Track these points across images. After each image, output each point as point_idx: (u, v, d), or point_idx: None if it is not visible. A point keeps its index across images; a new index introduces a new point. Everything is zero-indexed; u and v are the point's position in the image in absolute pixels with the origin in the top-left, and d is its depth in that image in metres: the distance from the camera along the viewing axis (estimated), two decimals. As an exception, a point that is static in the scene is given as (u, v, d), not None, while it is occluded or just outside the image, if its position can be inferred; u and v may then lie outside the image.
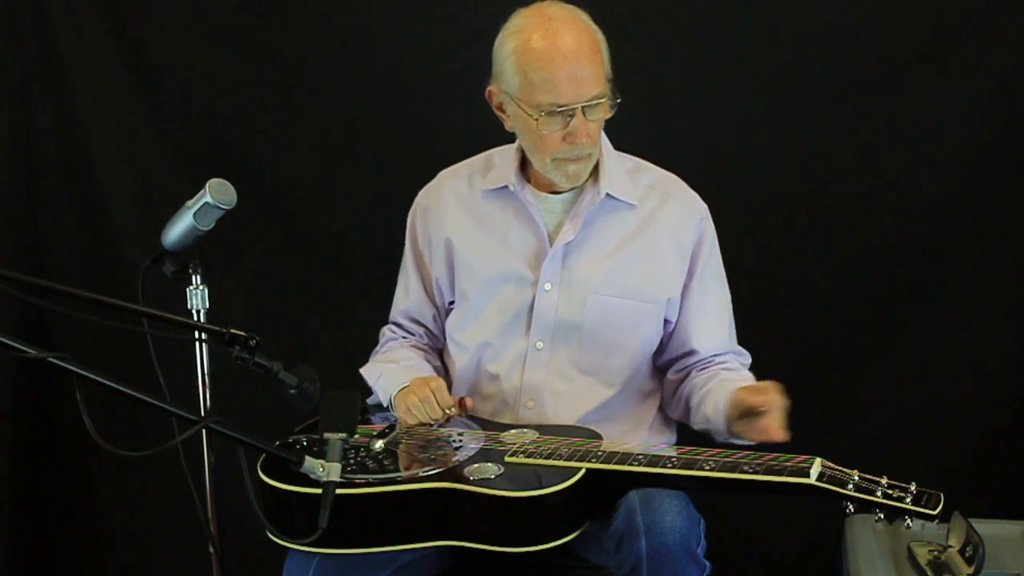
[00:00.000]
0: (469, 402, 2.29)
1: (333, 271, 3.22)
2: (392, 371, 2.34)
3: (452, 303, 2.39)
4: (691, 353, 2.31)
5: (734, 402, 2.10)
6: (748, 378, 2.24)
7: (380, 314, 2.52)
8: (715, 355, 2.31)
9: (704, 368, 2.30)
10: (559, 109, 2.11)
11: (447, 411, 2.22)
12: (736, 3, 2.97)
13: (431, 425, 2.23)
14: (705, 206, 2.32)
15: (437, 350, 2.48)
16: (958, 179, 2.93)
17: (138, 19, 3.15)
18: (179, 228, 2.15)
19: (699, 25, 2.98)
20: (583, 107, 2.11)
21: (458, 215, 2.35)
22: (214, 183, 2.13)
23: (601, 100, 2.13)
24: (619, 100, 2.16)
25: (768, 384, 2.05)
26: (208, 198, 2.12)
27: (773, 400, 2.01)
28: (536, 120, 2.13)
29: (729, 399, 2.11)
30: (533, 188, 2.29)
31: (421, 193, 2.43)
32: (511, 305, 2.29)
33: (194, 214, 2.13)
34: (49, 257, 3.24)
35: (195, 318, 2.20)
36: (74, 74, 3.14)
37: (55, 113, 3.17)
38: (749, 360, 2.36)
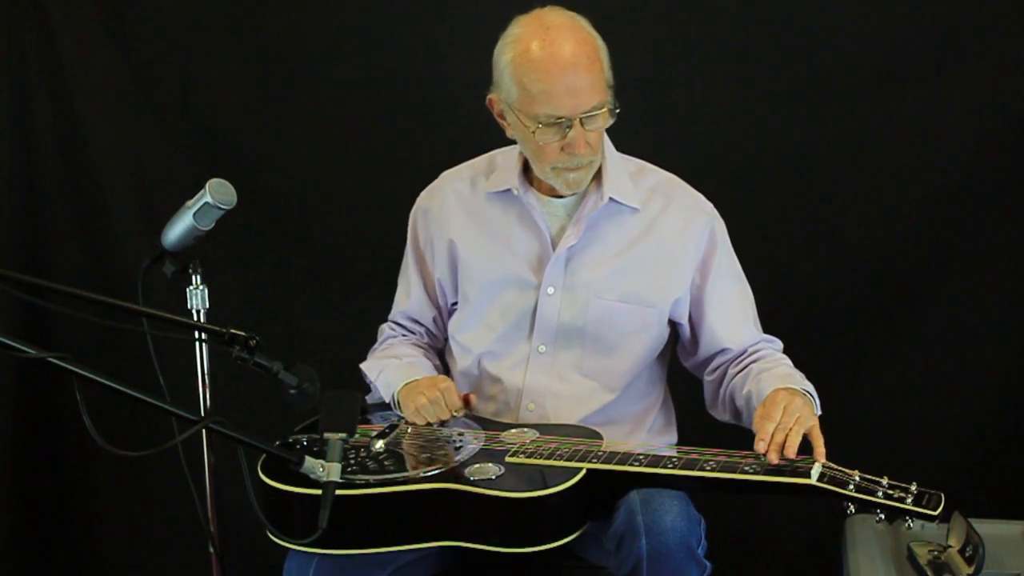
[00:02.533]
0: (473, 398, 2.29)
1: (333, 271, 3.22)
2: (394, 367, 2.34)
3: (455, 304, 2.39)
4: (724, 351, 2.30)
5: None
6: (779, 373, 2.17)
7: (380, 314, 2.52)
8: (747, 347, 2.29)
9: (739, 364, 2.28)
10: (556, 120, 2.10)
11: (455, 413, 2.22)
12: (737, 4, 2.97)
13: (437, 425, 2.23)
14: (711, 205, 2.32)
15: (436, 349, 2.48)
16: (959, 179, 2.93)
17: (138, 19, 3.15)
18: (179, 228, 2.15)
19: (700, 27, 2.98)
20: (581, 118, 2.10)
21: (461, 217, 2.34)
22: (214, 183, 2.13)
23: (600, 110, 2.11)
24: (618, 110, 2.14)
25: (767, 422, 1.98)
26: (208, 198, 2.11)
27: (767, 434, 1.96)
28: (534, 131, 2.12)
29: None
30: (536, 192, 2.28)
31: (423, 194, 2.42)
32: (514, 309, 2.29)
33: (194, 214, 2.13)
34: (49, 257, 3.24)
35: (195, 318, 2.20)
36: (74, 74, 3.14)
37: (55, 113, 3.17)
38: (780, 345, 2.34)
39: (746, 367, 2.26)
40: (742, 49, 2.96)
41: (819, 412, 2.13)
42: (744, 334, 2.30)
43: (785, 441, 1.95)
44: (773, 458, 1.95)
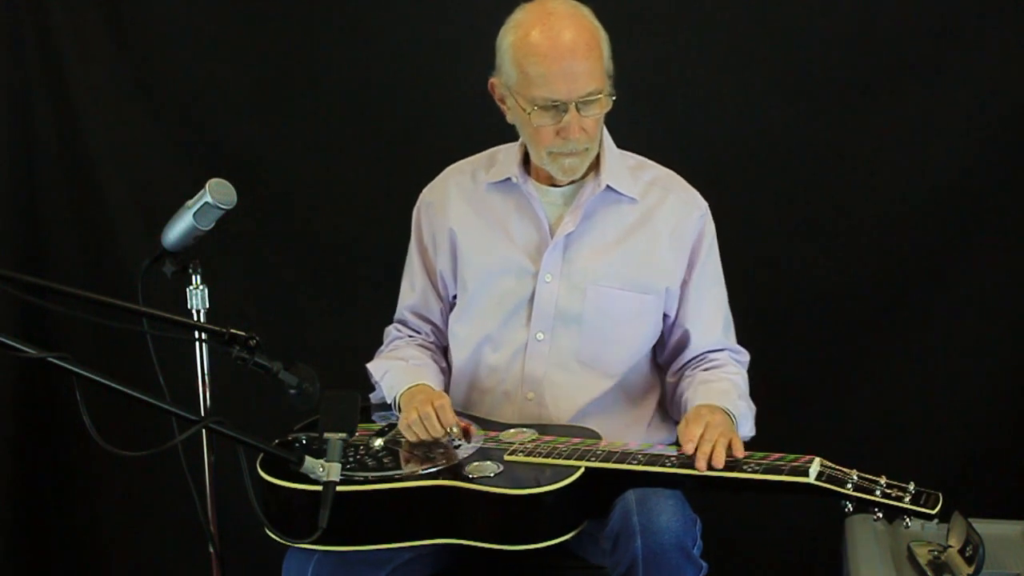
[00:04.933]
0: (473, 429, 2.23)
1: (333, 271, 3.22)
2: (400, 369, 2.34)
3: (456, 297, 2.39)
4: (688, 349, 2.31)
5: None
6: (715, 389, 2.20)
7: (380, 313, 2.52)
8: (708, 351, 2.31)
9: (696, 367, 2.30)
10: (552, 104, 2.12)
11: (449, 431, 2.16)
12: (738, 4, 2.97)
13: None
14: (706, 203, 2.33)
15: (443, 348, 2.47)
16: (960, 179, 2.93)
17: (138, 20, 3.15)
18: (179, 228, 2.15)
19: (701, 26, 2.98)
20: (577, 103, 2.12)
21: (461, 207, 2.35)
22: (214, 183, 2.14)
23: (597, 97, 2.14)
24: (614, 97, 2.16)
25: (694, 426, 2.02)
26: (208, 198, 2.12)
27: (690, 445, 1.99)
28: (529, 114, 2.14)
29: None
30: (535, 181, 2.30)
31: (426, 189, 2.44)
32: (512, 296, 2.29)
33: (194, 214, 2.13)
34: (49, 257, 3.24)
35: (195, 318, 2.20)
36: (74, 74, 3.14)
37: (55, 113, 3.17)
38: (747, 358, 2.36)
39: (695, 373, 2.27)
40: (742, 48, 2.97)
41: (751, 432, 2.18)
42: (709, 336, 2.31)
43: (712, 451, 1.96)
44: (701, 465, 1.96)
